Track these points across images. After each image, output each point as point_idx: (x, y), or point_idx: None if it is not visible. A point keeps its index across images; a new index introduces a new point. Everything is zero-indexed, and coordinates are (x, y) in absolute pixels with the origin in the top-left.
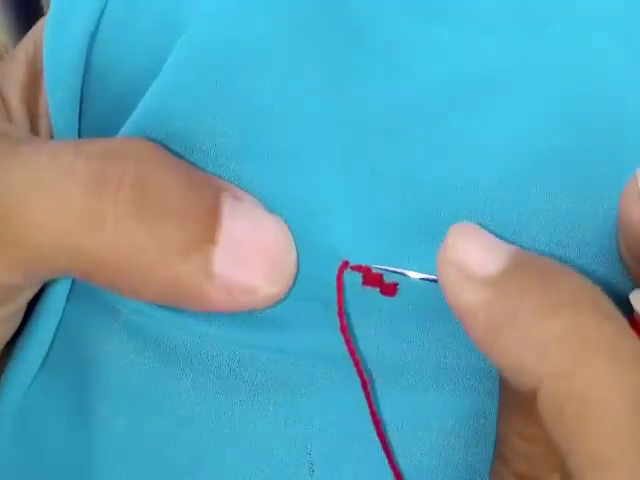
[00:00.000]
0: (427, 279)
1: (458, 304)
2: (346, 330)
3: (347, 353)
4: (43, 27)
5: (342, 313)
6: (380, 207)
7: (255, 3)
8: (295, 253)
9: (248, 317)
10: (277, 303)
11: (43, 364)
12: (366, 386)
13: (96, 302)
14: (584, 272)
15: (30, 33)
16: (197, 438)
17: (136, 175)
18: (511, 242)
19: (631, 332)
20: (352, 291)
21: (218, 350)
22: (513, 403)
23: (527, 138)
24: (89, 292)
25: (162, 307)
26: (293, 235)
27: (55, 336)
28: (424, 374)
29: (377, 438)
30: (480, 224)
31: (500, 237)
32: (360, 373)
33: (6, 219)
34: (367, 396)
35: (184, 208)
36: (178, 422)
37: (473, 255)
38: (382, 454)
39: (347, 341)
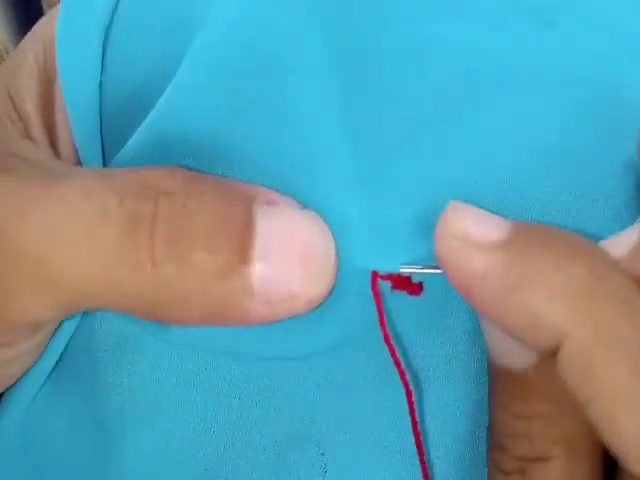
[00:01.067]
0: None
1: (467, 272)
2: (389, 340)
3: (363, 354)
4: (47, 28)
5: (384, 324)
6: (394, 209)
7: (274, 4)
8: (333, 250)
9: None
10: (320, 304)
11: (49, 376)
12: (411, 397)
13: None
14: None
15: (34, 34)
16: (211, 447)
17: (167, 210)
18: None
19: (631, 281)
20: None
21: (229, 353)
22: (506, 385)
23: (536, 136)
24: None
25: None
26: None
27: (66, 346)
28: (437, 371)
29: (392, 439)
30: None
31: None
32: (406, 384)
33: (44, 261)
34: (410, 406)
35: (215, 231)
36: (191, 432)
37: (475, 226)
38: (395, 456)
39: (392, 352)
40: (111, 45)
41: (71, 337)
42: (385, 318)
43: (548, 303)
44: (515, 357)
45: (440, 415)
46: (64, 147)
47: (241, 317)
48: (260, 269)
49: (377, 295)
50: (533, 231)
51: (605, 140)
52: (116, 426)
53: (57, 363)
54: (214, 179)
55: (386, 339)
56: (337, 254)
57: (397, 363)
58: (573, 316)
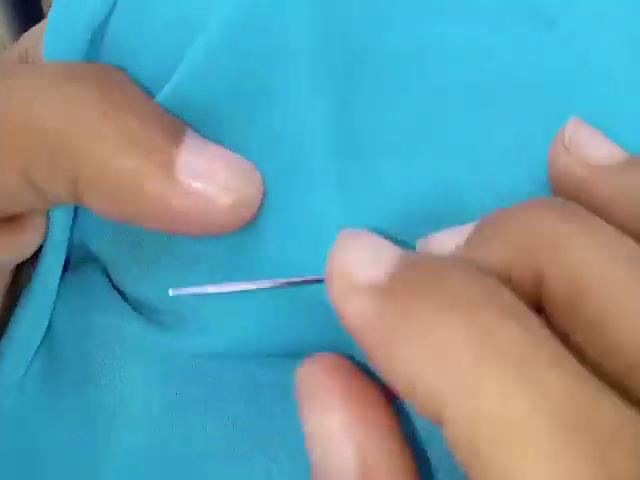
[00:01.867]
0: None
1: (346, 318)
2: None
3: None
4: (40, 29)
5: None
6: (377, 212)
7: (272, 8)
8: (259, 176)
9: (252, 328)
10: (245, 219)
11: (43, 371)
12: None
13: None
14: None
15: (26, 34)
16: (207, 456)
17: (104, 78)
18: None
19: (545, 330)
20: None
21: (227, 360)
22: None
23: (537, 139)
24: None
25: (166, 326)
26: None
27: (60, 343)
28: None
29: None
30: None
31: None
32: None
33: (7, 122)
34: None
35: (152, 116)
36: (185, 440)
37: (358, 262)
38: None
39: None
40: (105, 49)
41: (66, 335)
42: None
43: (422, 364)
44: None
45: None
46: None
47: (158, 201)
48: (186, 156)
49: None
50: (422, 265)
51: None
52: (104, 429)
53: (50, 361)
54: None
55: None
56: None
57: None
58: (447, 384)
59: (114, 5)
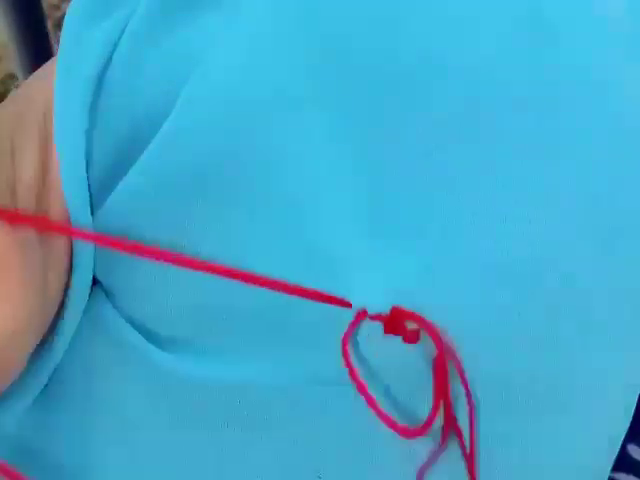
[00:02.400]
0: None
1: None
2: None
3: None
4: (50, 79)
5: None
6: (401, 262)
7: (269, 46)
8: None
9: (253, 348)
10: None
11: (45, 388)
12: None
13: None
14: None
15: (39, 80)
16: (206, 463)
17: None
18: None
19: None
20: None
21: (222, 379)
22: None
23: (539, 147)
24: (103, 319)
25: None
26: (306, 282)
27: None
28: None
29: (387, 463)
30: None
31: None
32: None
33: None
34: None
35: None
36: (179, 453)
37: None
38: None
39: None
40: (104, 93)
41: (68, 350)
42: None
43: None
44: None
45: None
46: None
47: None
48: None
49: (350, 331)
50: None
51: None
52: (100, 443)
53: (52, 377)
54: None
55: (361, 389)
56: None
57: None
58: None
59: (114, 49)
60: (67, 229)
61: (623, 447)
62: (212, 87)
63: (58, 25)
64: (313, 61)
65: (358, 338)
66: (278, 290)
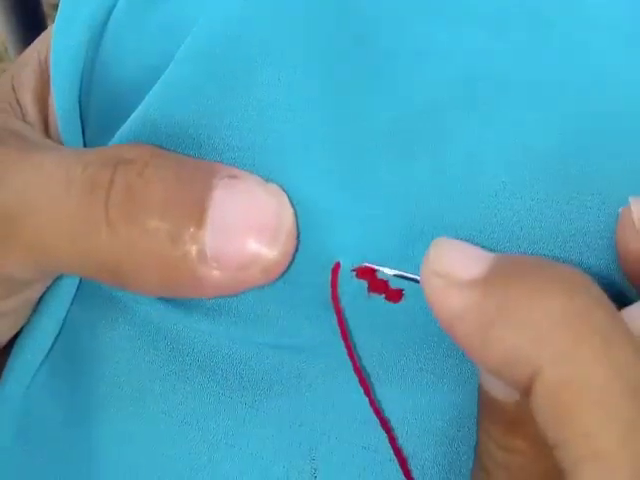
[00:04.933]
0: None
1: (445, 311)
2: (346, 337)
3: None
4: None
5: (341, 320)
6: (381, 214)
7: (262, 2)
8: (292, 217)
9: (251, 315)
10: (279, 273)
11: (45, 360)
12: (368, 391)
13: (104, 297)
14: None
15: (43, 36)
16: (197, 441)
17: (123, 176)
18: (515, 249)
19: (622, 318)
20: (350, 295)
21: (222, 349)
22: (492, 412)
23: (531, 144)
24: (96, 287)
25: (169, 305)
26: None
27: (59, 331)
28: (427, 378)
29: (383, 445)
30: (488, 231)
31: (507, 245)
32: (361, 379)
33: (17, 220)
34: (368, 394)
35: (170, 199)
36: (179, 424)
37: (456, 263)
38: (386, 461)
39: (348, 348)
40: (104, 45)
41: (64, 319)
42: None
43: (520, 338)
44: (499, 390)
45: (421, 417)
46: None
47: (196, 284)
48: (213, 234)
49: (334, 287)
50: (515, 264)
51: (603, 145)
52: (107, 410)
53: (51, 349)
54: (178, 156)
55: (343, 336)
56: (297, 224)
57: (352, 358)
58: (545, 353)
59: (114, 5)
60: None
61: None
62: (211, 34)
63: None
64: (303, 13)
65: (344, 303)
66: None
